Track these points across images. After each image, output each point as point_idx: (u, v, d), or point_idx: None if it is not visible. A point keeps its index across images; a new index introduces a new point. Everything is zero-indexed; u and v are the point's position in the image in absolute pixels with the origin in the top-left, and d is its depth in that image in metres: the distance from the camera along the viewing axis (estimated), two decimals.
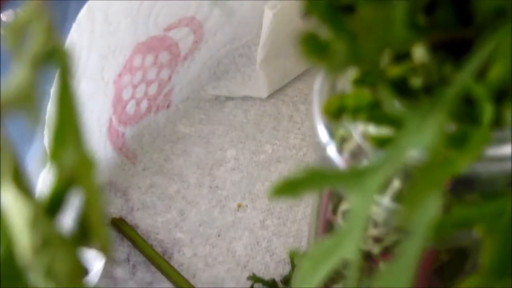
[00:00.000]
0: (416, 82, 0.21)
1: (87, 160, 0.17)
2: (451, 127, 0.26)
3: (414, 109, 0.19)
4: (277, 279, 0.49)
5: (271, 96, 0.60)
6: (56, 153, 0.18)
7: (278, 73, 0.58)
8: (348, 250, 0.20)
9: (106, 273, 0.50)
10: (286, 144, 0.57)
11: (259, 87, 0.59)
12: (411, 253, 0.18)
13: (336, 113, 0.23)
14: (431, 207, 0.18)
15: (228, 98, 0.60)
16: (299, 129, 0.58)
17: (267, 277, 0.49)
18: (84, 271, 0.17)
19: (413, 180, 0.18)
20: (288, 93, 0.60)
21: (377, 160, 0.19)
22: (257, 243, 0.52)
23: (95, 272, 0.42)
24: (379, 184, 0.19)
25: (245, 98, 0.60)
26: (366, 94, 0.23)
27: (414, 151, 0.19)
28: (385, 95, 0.20)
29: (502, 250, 0.19)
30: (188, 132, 0.58)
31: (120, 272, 0.51)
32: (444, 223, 0.21)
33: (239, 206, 0.54)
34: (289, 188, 0.20)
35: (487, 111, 0.22)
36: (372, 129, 0.25)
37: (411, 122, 0.19)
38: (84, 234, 0.17)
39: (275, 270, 0.51)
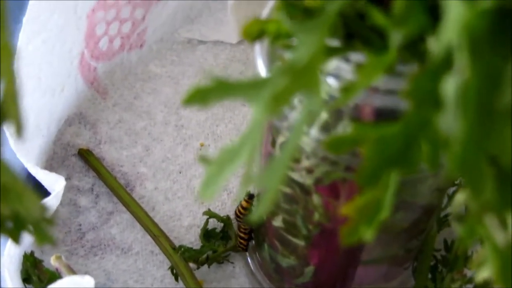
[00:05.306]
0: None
1: (6, 48, 0.19)
2: (362, 56, 0.28)
3: (305, 28, 0.21)
4: (232, 216, 0.51)
5: (241, 42, 0.62)
6: None
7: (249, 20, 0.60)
8: (245, 155, 0.22)
9: (70, 201, 0.53)
10: None
11: (231, 32, 0.61)
12: (287, 151, 0.20)
13: (255, 35, 0.25)
14: (310, 104, 0.20)
15: (200, 42, 0.62)
16: None
17: (222, 214, 0.51)
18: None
19: (286, 83, 0.20)
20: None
21: (273, 73, 0.21)
22: None
23: (55, 194, 0.44)
24: (274, 95, 0.21)
25: (216, 43, 0.62)
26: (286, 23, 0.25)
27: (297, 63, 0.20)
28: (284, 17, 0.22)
29: (377, 164, 0.21)
30: (159, 72, 0.60)
31: (83, 200, 0.53)
32: (341, 139, 0.23)
33: (202, 145, 0.56)
34: (198, 96, 0.22)
35: (393, 40, 0.24)
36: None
37: (300, 38, 0.21)
38: (2, 115, 0.19)
39: (231, 208, 0.53)
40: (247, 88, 0.22)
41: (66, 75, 0.52)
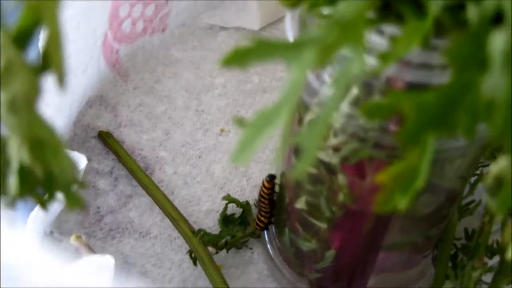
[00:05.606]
0: None
1: None
2: (396, 29, 0.27)
3: None
4: (251, 202, 0.51)
5: (263, 28, 0.62)
6: None
7: (271, 6, 0.60)
8: (283, 117, 0.22)
9: (89, 183, 0.52)
10: (273, 76, 0.59)
11: (252, 19, 0.61)
12: (327, 112, 0.20)
13: (293, 2, 0.25)
14: (352, 63, 0.20)
15: (222, 28, 0.62)
16: None
17: (241, 199, 0.51)
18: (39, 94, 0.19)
19: (332, 36, 0.20)
20: (280, 27, 0.62)
21: (314, 33, 0.21)
22: (236, 167, 0.54)
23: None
24: (315, 55, 0.21)
25: (238, 29, 0.62)
26: None
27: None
28: None
29: (418, 124, 0.21)
30: (180, 57, 0.60)
31: (102, 183, 0.53)
32: (378, 105, 0.23)
33: (222, 130, 0.56)
34: (237, 57, 0.22)
35: (432, 8, 0.23)
36: None
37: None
38: (45, 63, 0.19)
39: (250, 194, 0.53)
40: (287, 48, 0.22)
41: (89, 55, 0.52)
